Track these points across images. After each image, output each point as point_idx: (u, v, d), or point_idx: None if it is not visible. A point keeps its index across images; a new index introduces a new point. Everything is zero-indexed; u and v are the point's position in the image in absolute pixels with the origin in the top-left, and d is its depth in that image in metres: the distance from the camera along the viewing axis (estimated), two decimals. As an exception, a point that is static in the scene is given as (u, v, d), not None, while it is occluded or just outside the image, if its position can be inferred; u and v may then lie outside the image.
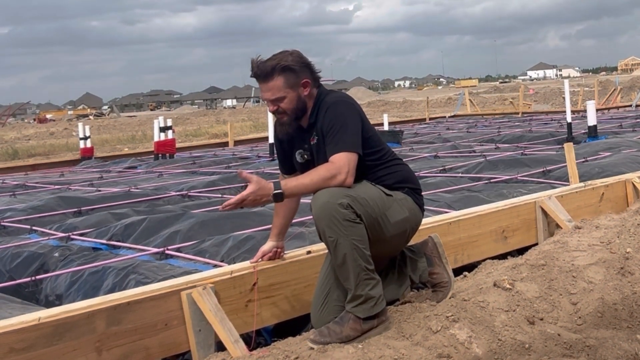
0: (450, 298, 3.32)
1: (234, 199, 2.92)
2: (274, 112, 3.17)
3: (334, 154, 2.97)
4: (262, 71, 3.07)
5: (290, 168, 3.36)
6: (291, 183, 2.98)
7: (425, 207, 5.52)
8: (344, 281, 2.99)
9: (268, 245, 3.41)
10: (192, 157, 13.64)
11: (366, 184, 3.08)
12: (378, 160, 3.17)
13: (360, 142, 3.03)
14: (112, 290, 4.06)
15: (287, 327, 3.53)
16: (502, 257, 4.37)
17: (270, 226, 4.66)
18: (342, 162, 2.94)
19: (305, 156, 3.20)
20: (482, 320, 3.09)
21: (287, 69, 3.07)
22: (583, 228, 4.48)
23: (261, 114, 39.46)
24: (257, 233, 4.64)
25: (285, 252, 3.53)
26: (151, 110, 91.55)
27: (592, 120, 11.07)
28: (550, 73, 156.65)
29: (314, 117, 3.14)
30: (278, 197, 2.94)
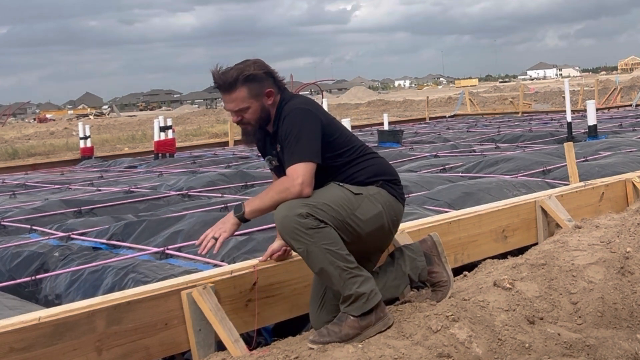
0: (450, 297, 3.31)
1: (205, 240, 3.00)
2: (237, 123, 3.16)
3: (289, 166, 2.97)
4: (225, 82, 3.05)
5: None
6: (251, 203, 3.01)
7: (425, 206, 5.52)
8: (330, 286, 2.99)
9: (277, 243, 3.39)
10: (192, 156, 13.65)
11: (331, 187, 3.05)
12: (347, 159, 3.13)
13: (318, 150, 3.00)
14: (111, 289, 4.06)
15: (287, 326, 3.54)
16: (502, 256, 4.37)
17: (272, 226, 4.69)
18: (297, 174, 2.93)
19: (274, 162, 3.20)
20: (482, 320, 3.09)
21: (251, 79, 3.05)
22: (583, 227, 4.48)
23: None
24: (257, 234, 4.65)
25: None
26: (140, 110, 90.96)
27: (592, 119, 11.08)
28: (550, 72, 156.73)
29: (276, 125, 3.12)
30: (241, 220, 3.01)
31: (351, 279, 2.92)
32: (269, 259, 3.38)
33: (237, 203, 3.06)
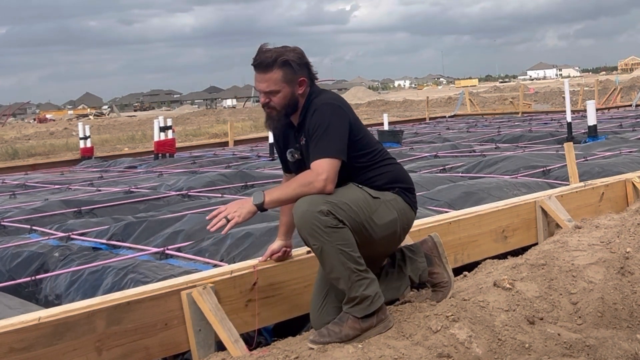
0: (450, 298, 3.32)
1: (216, 218, 2.94)
2: (264, 105, 3.12)
3: (315, 161, 2.95)
4: (263, 60, 3.04)
5: (288, 166, 3.33)
6: (271, 193, 2.98)
7: (426, 206, 5.53)
8: (336, 285, 2.97)
9: (277, 244, 3.38)
10: (192, 156, 13.65)
11: (351, 187, 3.05)
12: (368, 161, 3.13)
13: (344, 147, 2.99)
14: (111, 289, 4.06)
15: (287, 326, 3.53)
16: (502, 256, 4.37)
17: (269, 223, 4.69)
18: (322, 169, 2.91)
19: (296, 155, 3.18)
20: (482, 320, 3.09)
21: (288, 64, 3.04)
22: (583, 228, 4.48)
23: (261, 113, 39.33)
24: (255, 230, 4.64)
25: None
26: (135, 110, 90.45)
27: (592, 120, 11.08)
28: (550, 73, 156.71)
29: (302, 117, 3.11)
30: (259, 209, 2.96)
31: (359, 281, 2.92)
32: (268, 259, 3.38)
33: (257, 191, 3.02)
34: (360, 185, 3.07)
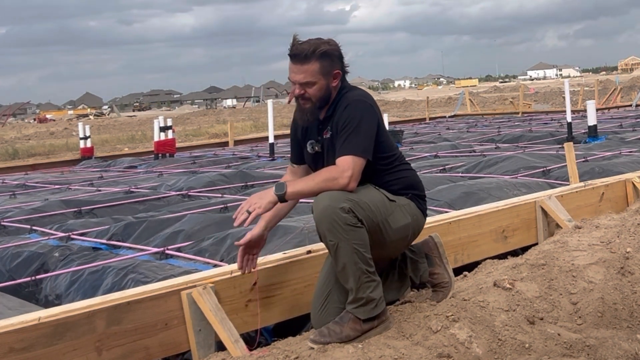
0: (450, 298, 3.32)
1: (239, 213, 2.94)
2: (298, 97, 3.10)
3: (341, 156, 2.95)
4: (301, 52, 3.03)
5: (300, 158, 3.32)
6: (294, 185, 2.97)
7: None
8: (344, 283, 2.98)
9: (257, 229, 3.21)
10: (192, 156, 13.64)
11: (370, 188, 3.05)
12: (388, 165, 3.13)
13: (371, 147, 3.00)
14: (111, 289, 4.06)
15: (287, 326, 3.53)
16: (502, 256, 4.37)
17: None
18: (347, 166, 2.92)
19: (316, 148, 3.16)
20: (482, 320, 3.09)
21: (326, 55, 3.04)
22: (583, 228, 4.48)
23: (261, 113, 39.45)
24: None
25: (285, 251, 3.53)
26: (133, 110, 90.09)
27: (592, 120, 11.08)
28: (550, 73, 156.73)
29: (331, 111, 3.10)
30: (280, 200, 2.95)
31: (368, 282, 2.93)
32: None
33: (279, 182, 2.99)
34: (377, 188, 3.08)
